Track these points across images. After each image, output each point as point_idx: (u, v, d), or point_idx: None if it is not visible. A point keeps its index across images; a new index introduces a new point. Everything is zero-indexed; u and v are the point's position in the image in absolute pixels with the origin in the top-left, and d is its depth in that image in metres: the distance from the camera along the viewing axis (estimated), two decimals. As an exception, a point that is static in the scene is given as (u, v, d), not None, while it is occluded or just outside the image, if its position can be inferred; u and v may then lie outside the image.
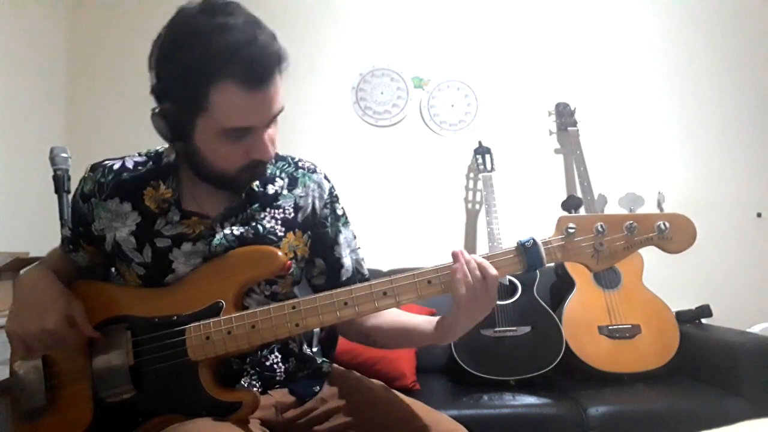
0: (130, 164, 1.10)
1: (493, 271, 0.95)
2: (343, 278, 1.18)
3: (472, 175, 2.75)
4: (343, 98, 2.78)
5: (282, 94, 0.97)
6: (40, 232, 2.04)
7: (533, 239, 0.96)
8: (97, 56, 2.75)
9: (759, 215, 2.75)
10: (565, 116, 2.69)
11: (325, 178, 1.19)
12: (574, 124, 2.66)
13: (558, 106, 2.72)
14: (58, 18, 2.69)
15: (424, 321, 1.09)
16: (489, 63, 2.79)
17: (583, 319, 2.19)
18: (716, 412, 1.82)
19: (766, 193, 2.76)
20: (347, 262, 1.19)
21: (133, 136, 2.64)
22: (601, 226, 0.96)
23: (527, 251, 0.96)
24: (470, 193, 2.75)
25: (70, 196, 1.69)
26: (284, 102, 0.99)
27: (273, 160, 1.13)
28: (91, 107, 2.73)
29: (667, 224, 0.95)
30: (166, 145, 1.11)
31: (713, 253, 2.65)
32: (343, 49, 2.77)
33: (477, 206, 2.73)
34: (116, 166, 1.09)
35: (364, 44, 2.79)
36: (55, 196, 1.73)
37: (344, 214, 1.21)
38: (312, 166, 1.19)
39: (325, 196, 1.17)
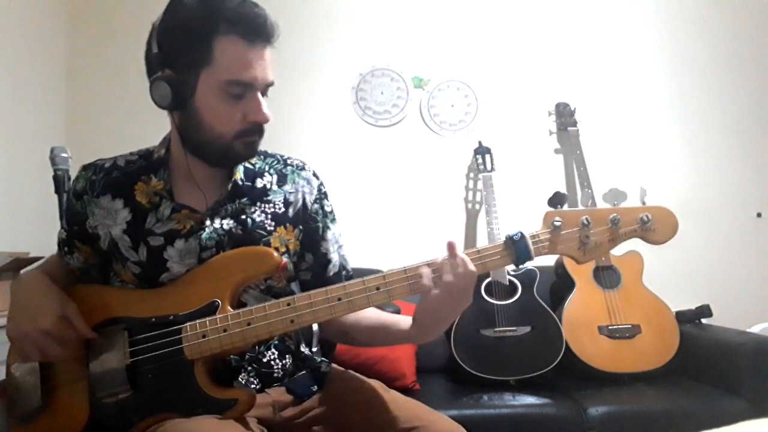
0: (121, 162, 1.14)
1: (471, 267, 0.97)
2: (330, 273, 1.21)
3: (472, 175, 2.75)
4: (343, 98, 2.77)
5: (273, 68, 1.04)
6: (40, 232, 2.04)
7: (521, 233, 0.99)
8: (97, 56, 2.75)
9: (759, 215, 2.74)
10: (565, 116, 2.69)
11: (314, 175, 1.23)
12: (574, 124, 2.66)
13: (558, 106, 2.72)
14: (58, 18, 2.69)
15: (402, 318, 1.11)
16: (489, 63, 2.79)
17: (583, 319, 2.19)
18: (716, 412, 1.82)
19: (766, 193, 2.76)
20: (334, 257, 1.22)
21: (133, 135, 2.64)
22: (587, 220, 1.00)
23: (515, 244, 0.99)
24: (470, 193, 2.75)
25: (69, 197, 1.72)
26: (275, 79, 1.05)
27: (260, 156, 1.18)
28: (91, 107, 2.73)
29: (650, 216, 0.99)
30: (156, 144, 1.16)
31: (713, 253, 2.64)
32: (343, 49, 2.77)
33: (477, 206, 2.73)
34: (107, 165, 1.13)
35: (364, 44, 2.79)
36: (55, 196, 1.73)
37: (332, 211, 1.24)
38: (300, 164, 1.23)
39: (315, 192, 1.21)
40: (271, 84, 1.05)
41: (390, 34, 2.80)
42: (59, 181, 1.73)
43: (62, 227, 1.17)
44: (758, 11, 2.81)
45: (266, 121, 1.05)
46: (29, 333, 1.00)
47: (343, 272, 1.24)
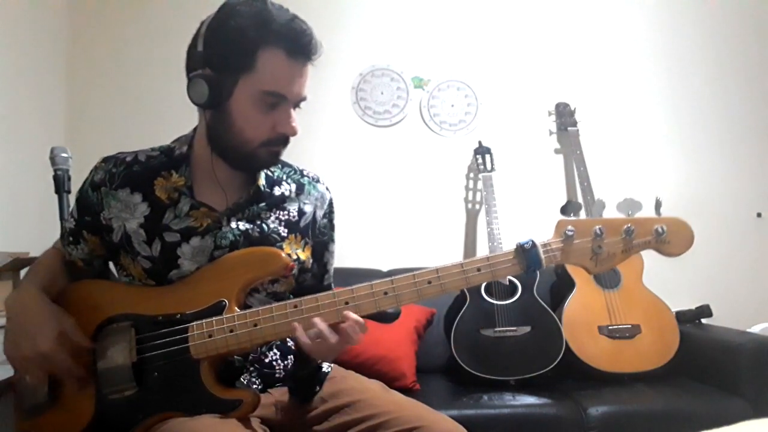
0: (142, 157, 1.14)
1: (329, 338, 0.97)
2: (325, 283, 1.27)
3: (472, 175, 2.75)
4: (343, 98, 2.77)
5: (308, 84, 1.08)
6: (40, 232, 2.03)
7: (532, 241, 0.98)
8: (97, 56, 2.74)
9: (759, 215, 2.74)
10: (565, 116, 2.69)
11: (327, 189, 1.26)
12: (574, 124, 2.66)
13: (558, 106, 2.72)
14: (58, 18, 2.69)
15: None
16: (489, 63, 2.79)
17: (583, 319, 2.18)
18: (716, 412, 1.82)
19: (766, 193, 2.76)
20: (331, 269, 1.28)
21: (133, 136, 2.66)
22: (600, 230, 0.98)
23: (526, 253, 0.98)
24: (470, 193, 2.75)
25: (71, 196, 1.71)
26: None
27: (280, 165, 1.20)
28: (91, 107, 2.73)
29: (665, 228, 0.97)
30: (160, 144, 1.17)
31: (713, 253, 2.64)
32: (343, 50, 2.77)
33: (477, 206, 2.73)
34: (128, 159, 1.14)
35: (364, 44, 2.79)
36: (55, 196, 1.73)
37: (335, 224, 1.29)
38: (316, 176, 1.26)
39: (325, 206, 1.24)
40: (304, 99, 1.08)
41: (390, 34, 2.79)
42: (59, 181, 1.73)
43: (71, 217, 1.17)
44: (755, 11, 2.81)
45: (294, 134, 1.07)
46: (29, 357, 1.01)
47: (331, 281, 1.29)
